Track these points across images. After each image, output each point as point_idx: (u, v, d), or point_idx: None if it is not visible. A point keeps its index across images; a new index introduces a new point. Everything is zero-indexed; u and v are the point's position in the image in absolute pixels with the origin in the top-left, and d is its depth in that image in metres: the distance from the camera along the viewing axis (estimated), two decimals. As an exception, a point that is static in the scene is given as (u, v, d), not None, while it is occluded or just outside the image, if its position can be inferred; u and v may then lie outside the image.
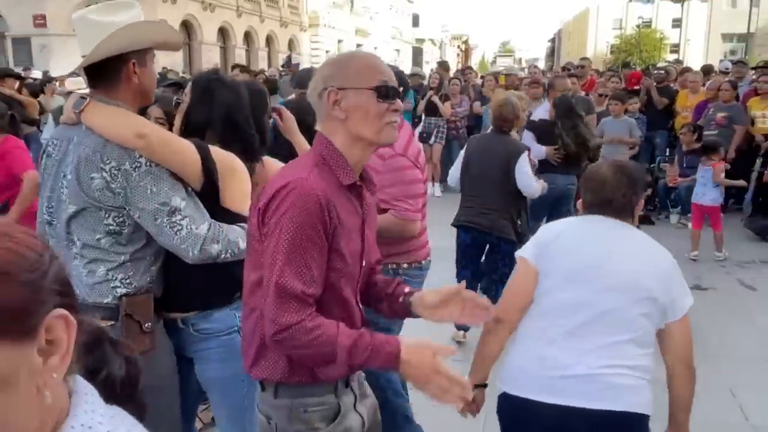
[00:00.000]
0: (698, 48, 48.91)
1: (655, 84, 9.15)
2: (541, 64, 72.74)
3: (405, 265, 2.82)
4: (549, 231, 2.18)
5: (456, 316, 1.70)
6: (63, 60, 19.54)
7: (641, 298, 1.94)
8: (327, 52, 35.68)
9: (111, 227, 1.89)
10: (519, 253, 2.15)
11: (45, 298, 0.70)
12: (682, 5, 47.10)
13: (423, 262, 2.89)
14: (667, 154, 8.89)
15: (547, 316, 2.01)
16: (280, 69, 14.14)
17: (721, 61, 20.98)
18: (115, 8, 1.96)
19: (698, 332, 2.41)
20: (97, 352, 0.87)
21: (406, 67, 47.39)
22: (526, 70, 19.01)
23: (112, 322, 1.90)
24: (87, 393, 0.78)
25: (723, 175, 6.38)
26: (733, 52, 46.00)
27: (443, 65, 13.07)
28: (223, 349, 2.08)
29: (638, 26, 53.57)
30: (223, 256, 1.93)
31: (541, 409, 1.94)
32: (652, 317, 1.96)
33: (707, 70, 10.72)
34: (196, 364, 2.15)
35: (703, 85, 8.79)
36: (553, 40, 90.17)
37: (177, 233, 1.86)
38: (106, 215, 1.88)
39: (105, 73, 1.91)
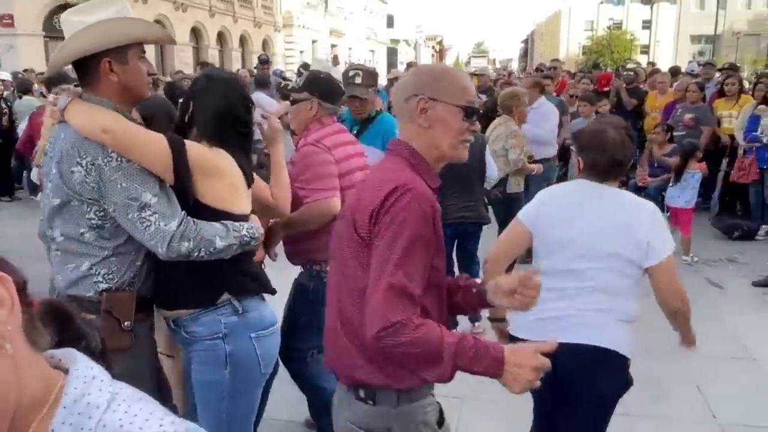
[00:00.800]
0: (668, 49, 49.78)
1: (624, 85, 9.29)
2: (515, 65, 73.40)
3: (328, 268, 2.77)
4: (547, 195, 2.45)
5: (528, 301, 1.69)
6: (31, 60, 19.17)
7: (608, 257, 2.21)
8: (301, 52, 35.54)
9: (93, 221, 1.91)
10: (518, 215, 2.44)
11: None
12: (652, 7, 47.89)
13: None
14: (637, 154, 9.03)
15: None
16: (254, 69, 14.06)
17: (689, 62, 21.38)
18: (93, 8, 1.96)
19: (666, 330, 2.46)
20: (72, 325, 0.89)
21: (381, 68, 47.41)
22: (494, 71, 19.18)
23: (93, 317, 1.89)
24: (81, 359, 0.82)
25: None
26: (701, 53, 46.87)
27: (411, 66, 13.11)
28: (204, 353, 2.09)
29: (609, 28, 54.41)
30: (195, 254, 1.92)
31: None
32: (623, 270, 2.21)
33: (675, 71, 10.92)
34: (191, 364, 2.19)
35: (671, 86, 8.95)
36: (526, 41, 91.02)
37: (146, 229, 1.87)
38: (88, 209, 1.90)
39: (84, 72, 1.94)
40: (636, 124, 9.00)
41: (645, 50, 50.23)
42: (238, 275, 2.10)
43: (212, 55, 28.26)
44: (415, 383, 1.59)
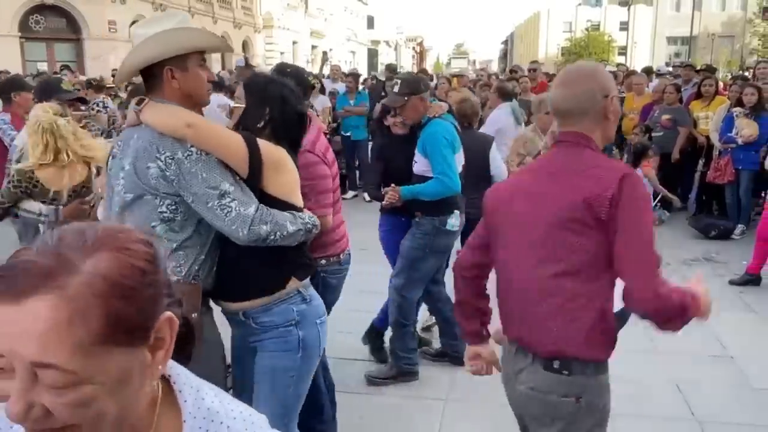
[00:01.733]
0: (645, 50, 50.41)
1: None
2: (495, 66, 73.74)
3: (323, 261, 2.86)
4: None
5: None
6: (6, 61, 18.84)
7: None
8: (282, 53, 35.41)
9: (165, 214, 2.04)
10: None
11: (159, 307, 0.79)
12: (629, 9, 48.40)
13: (341, 255, 2.97)
14: (615, 153, 9.13)
15: None
16: (234, 70, 13.92)
17: (666, 63, 21.67)
18: (156, 21, 2.14)
19: (646, 329, 2.49)
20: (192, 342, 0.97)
21: (362, 69, 47.38)
22: (474, 72, 19.28)
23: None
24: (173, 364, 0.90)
25: (653, 173, 6.80)
26: (677, 55, 47.56)
27: (390, 68, 13.11)
28: (278, 340, 2.21)
29: (587, 29, 54.97)
30: (271, 237, 2.05)
31: None
32: None
33: (647, 72, 11.09)
34: (258, 352, 2.27)
35: (647, 86, 9.08)
36: (506, 42, 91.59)
37: (227, 215, 2.00)
38: (161, 203, 2.03)
39: (150, 79, 2.09)
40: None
41: (622, 51, 50.79)
42: (300, 262, 2.26)
43: (191, 57, 28.11)
44: (608, 355, 1.83)
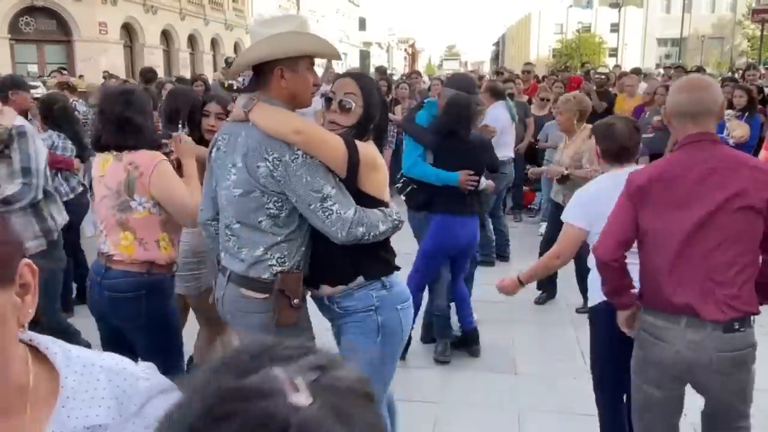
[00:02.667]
0: (635, 52, 50.72)
1: (594, 88, 9.42)
2: (486, 67, 73.93)
3: None
4: (586, 194, 2.85)
5: None
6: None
7: None
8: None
9: (271, 210, 2.18)
10: (564, 218, 2.86)
11: (16, 256, 0.90)
12: (620, 11, 48.67)
13: None
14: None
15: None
16: (222, 68, 13.89)
17: (657, 65, 21.78)
18: (276, 22, 2.28)
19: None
20: None
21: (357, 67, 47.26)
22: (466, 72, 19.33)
23: (266, 296, 2.20)
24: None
25: None
26: (668, 56, 47.91)
27: (380, 70, 13.10)
28: (359, 324, 2.32)
29: (578, 31, 55.21)
30: (366, 237, 2.18)
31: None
32: None
33: (635, 73, 11.15)
34: (340, 335, 2.41)
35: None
36: (497, 44, 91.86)
37: (328, 217, 2.13)
38: (268, 200, 2.16)
39: (261, 76, 2.22)
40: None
41: (613, 53, 51.02)
42: (385, 254, 2.38)
43: (183, 58, 28.01)
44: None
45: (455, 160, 3.96)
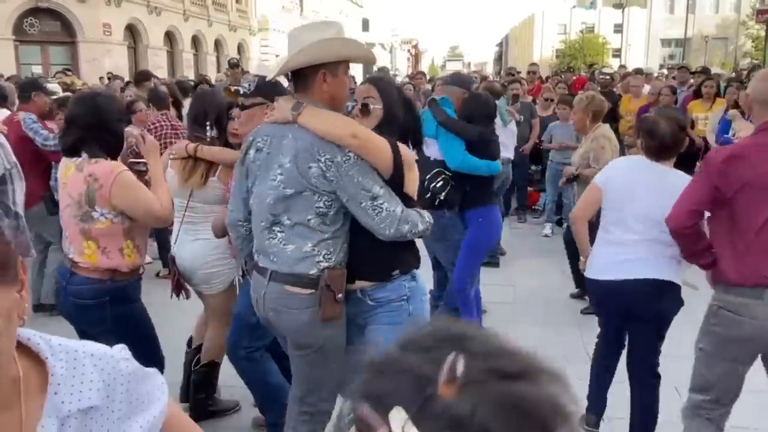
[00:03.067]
0: (639, 52, 50.62)
1: (599, 89, 9.39)
2: (490, 68, 73.86)
3: None
4: (616, 165, 3.21)
5: None
6: (1, 64, 18.80)
7: (656, 220, 2.80)
8: (277, 56, 35.37)
9: (321, 209, 2.27)
10: (594, 179, 3.15)
11: (14, 253, 0.96)
12: (623, 11, 48.63)
13: None
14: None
15: (603, 226, 3.09)
16: (226, 70, 13.80)
17: (661, 66, 21.69)
18: (319, 27, 2.40)
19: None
20: None
21: (357, 71, 47.28)
22: (474, 76, 19.30)
23: (312, 291, 2.29)
24: None
25: None
26: (671, 57, 47.78)
27: (382, 71, 13.08)
28: (392, 313, 2.42)
29: (582, 32, 55.10)
30: (408, 235, 2.31)
31: (609, 285, 2.98)
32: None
33: (637, 73, 11.12)
34: (368, 326, 2.47)
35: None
36: (501, 45, 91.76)
37: (378, 215, 2.24)
38: (318, 199, 2.26)
39: (303, 80, 2.31)
40: (611, 127, 9.12)
41: (617, 54, 51.00)
42: (415, 248, 2.54)
43: (187, 60, 28.04)
44: None
45: (489, 151, 4.16)
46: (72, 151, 2.71)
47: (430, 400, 0.49)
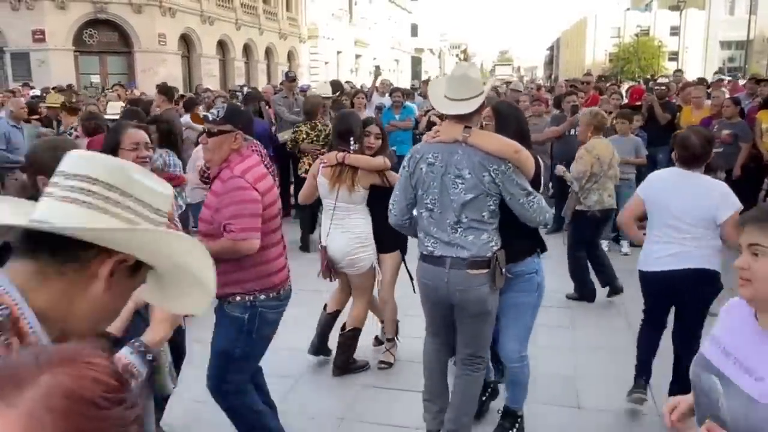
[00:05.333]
0: (697, 55, 49.03)
1: (657, 99, 9.04)
2: (540, 72, 72.77)
3: (262, 297, 2.93)
4: (654, 177, 3.81)
5: None
6: (62, 75, 19.50)
7: (697, 219, 3.48)
8: (326, 63, 35.68)
9: (491, 207, 2.99)
10: (636, 190, 3.86)
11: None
12: (680, 13, 47.18)
13: (281, 291, 3.01)
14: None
15: (650, 228, 3.73)
16: (280, 84, 13.69)
17: (714, 73, 20.86)
18: (475, 68, 3.29)
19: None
20: None
21: (406, 77, 47.26)
22: (524, 80, 18.98)
23: (487, 270, 3.00)
24: None
25: None
26: (731, 59, 46.08)
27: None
28: (525, 284, 3.24)
29: (636, 35, 53.64)
30: (544, 222, 3.10)
31: (659, 275, 3.63)
32: (706, 224, 3.47)
33: (699, 82, 10.67)
34: (504, 294, 3.18)
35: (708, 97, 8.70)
36: (551, 49, 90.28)
37: (532, 207, 2.97)
38: (489, 200, 2.97)
39: (471, 112, 3.02)
40: (668, 139, 8.74)
41: (673, 57, 49.47)
42: (539, 236, 3.35)
43: (238, 68, 28.51)
44: None
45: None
46: None
47: None
